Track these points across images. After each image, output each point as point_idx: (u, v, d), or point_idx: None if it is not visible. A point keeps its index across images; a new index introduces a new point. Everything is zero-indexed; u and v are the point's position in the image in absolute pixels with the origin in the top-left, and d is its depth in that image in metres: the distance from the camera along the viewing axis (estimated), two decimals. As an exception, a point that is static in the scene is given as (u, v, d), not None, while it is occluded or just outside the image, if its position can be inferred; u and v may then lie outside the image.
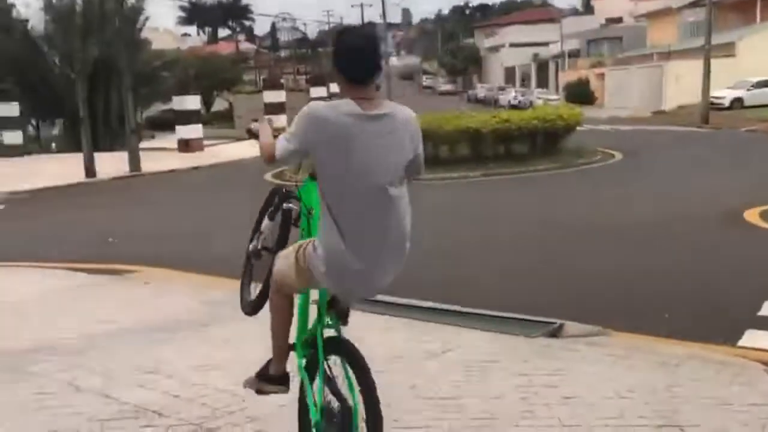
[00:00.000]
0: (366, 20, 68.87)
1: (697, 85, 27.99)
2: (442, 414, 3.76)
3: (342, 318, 2.64)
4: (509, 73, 61.59)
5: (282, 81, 36.34)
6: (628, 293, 6.37)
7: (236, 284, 3.40)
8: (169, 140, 30.24)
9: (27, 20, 31.36)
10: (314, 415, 2.61)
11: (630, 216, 9.98)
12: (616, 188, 13.29)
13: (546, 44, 59.86)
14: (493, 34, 73.34)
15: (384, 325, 5.45)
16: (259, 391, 2.91)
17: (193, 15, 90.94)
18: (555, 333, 5.08)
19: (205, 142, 30.46)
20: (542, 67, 58.49)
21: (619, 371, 4.33)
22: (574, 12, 67.53)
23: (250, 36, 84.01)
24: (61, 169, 24.03)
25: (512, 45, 64.48)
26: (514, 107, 33.03)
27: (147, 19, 33.60)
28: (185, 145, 27.31)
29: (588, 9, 69.12)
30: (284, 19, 52.72)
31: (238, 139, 36.19)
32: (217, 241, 9.21)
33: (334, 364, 2.63)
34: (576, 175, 15.30)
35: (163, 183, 20.09)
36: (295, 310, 2.77)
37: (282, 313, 2.70)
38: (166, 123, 33.61)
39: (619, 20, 57.74)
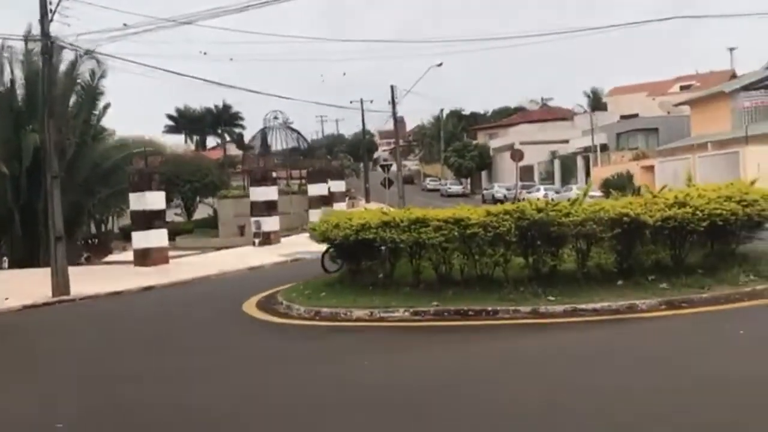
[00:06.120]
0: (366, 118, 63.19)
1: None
2: None
3: None
4: (525, 171, 55.85)
5: (274, 175, 29.84)
6: None
7: None
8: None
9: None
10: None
11: None
12: None
13: (563, 141, 55.50)
14: (497, 136, 69.52)
15: None
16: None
17: (180, 123, 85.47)
18: None
19: (175, 253, 23.48)
20: (565, 163, 53.01)
21: None
22: (583, 111, 63.60)
23: (241, 144, 78.41)
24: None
25: (523, 143, 59.72)
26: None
27: (108, 106, 27.05)
28: (143, 257, 20.06)
29: (596, 108, 65.25)
30: (276, 117, 46.98)
31: (218, 248, 29.37)
32: None
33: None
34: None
35: (90, 317, 13.00)
36: None
37: None
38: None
39: (635, 116, 54.85)
